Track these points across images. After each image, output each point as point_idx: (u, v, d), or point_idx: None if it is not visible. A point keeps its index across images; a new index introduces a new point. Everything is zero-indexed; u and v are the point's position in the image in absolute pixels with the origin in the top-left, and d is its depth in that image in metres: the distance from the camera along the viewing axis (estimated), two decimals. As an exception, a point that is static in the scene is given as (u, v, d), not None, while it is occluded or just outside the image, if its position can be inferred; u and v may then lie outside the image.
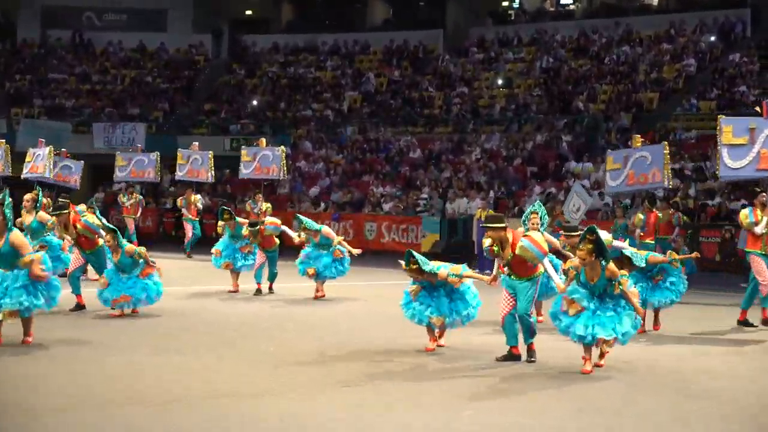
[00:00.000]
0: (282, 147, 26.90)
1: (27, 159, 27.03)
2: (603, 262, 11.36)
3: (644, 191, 20.47)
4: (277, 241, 19.30)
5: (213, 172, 28.41)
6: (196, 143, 29.40)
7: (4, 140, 27.53)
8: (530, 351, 12.24)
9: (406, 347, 12.86)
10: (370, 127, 40.13)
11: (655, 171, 18.63)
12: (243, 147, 28.27)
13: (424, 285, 12.73)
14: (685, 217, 24.81)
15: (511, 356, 12.23)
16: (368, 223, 30.85)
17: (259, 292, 19.06)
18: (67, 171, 27.03)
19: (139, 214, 29.03)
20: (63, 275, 15.85)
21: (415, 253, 12.71)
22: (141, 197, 29.44)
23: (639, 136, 20.16)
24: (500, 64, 41.90)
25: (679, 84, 36.56)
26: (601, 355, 11.67)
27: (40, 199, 18.85)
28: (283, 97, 44.02)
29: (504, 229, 12.19)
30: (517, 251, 12.01)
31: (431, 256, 25.00)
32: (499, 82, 40.65)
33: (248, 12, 52.78)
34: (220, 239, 19.84)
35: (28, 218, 17.39)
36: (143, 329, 14.29)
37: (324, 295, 18.50)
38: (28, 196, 18.32)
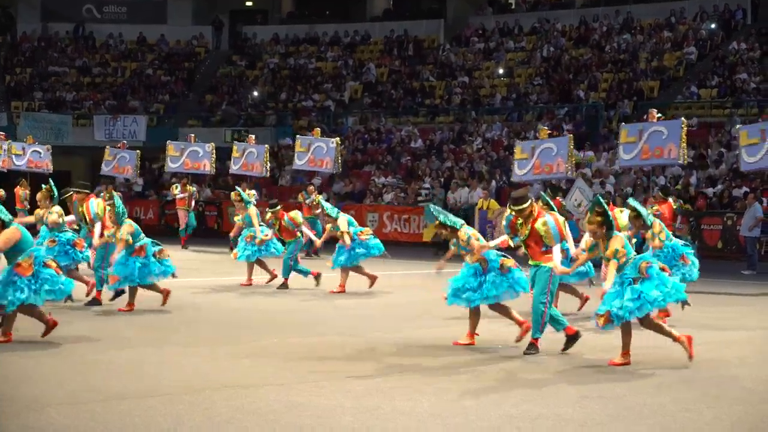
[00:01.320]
0: (337, 139, 26.70)
1: (107, 157, 27.53)
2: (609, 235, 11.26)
3: (659, 166, 21.00)
4: (299, 234, 18.84)
5: (268, 165, 27.91)
6: (253, 136, 29.23)
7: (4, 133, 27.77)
8: (531, 345, 11.94)
9: (410, 337, 12.87)
10: (371, 118, 40.14)
11: (671, 146, 18.83)
12: (298, 137, 27.88)
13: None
14: (686, 205, 24.85)
15: (570, 339, 11.99)
16: (370, 213, 30.84)
17: (284, 286, 18.68)
18: (123, 162, 27.26)
19: (192, 207, 28.80)
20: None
21: (433, 207, 12.58)
22: (194, 190, 29.26)
23: (656, 110, 20.18)
24: (501, 54, 41.87)
25: (680, 72, 36.54)
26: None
27: (55, 193, 18.60)
28: (283, 88, 44.00)
29: (531, 205, 11.93)
30: (536, 225, 11.78)
31: (433, 246, 25.19)
32: (500, 71, 40.63)
33: (248, 3, 52.73)
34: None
35: (43, 213, 17.16)
36: (147, 323, 14.30)
37: (341, 291, 18.19)
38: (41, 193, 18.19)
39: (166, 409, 9.02)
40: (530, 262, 12.05)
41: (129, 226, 15.22)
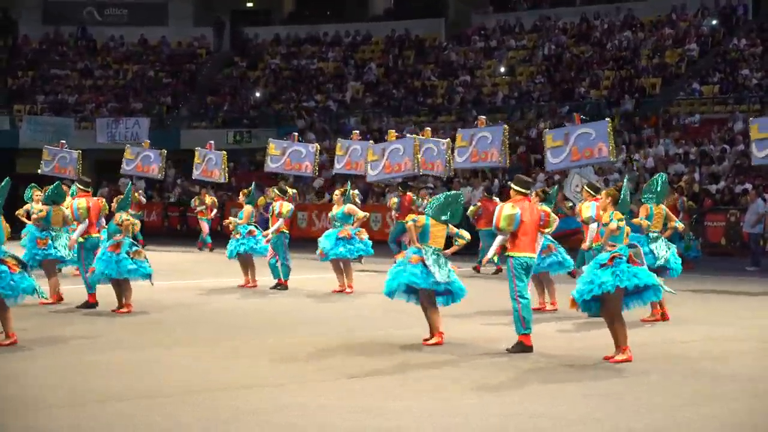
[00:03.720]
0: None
1: (128, 156, 27.30)
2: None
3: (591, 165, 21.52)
4: (286, 231, 18.36)
5: (226, 171, 27.80)
6: (212, 141, 29.18)
7: None
8: (517, 343, 11.81)
9: (409, 337, 12.83)
10: (373, 117, 40.12)
11: (601, 145, 19.47)
12: (339, 140, 27.49)
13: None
14: (690, 202, 24.82)
15: (520, 345, 11.80)
16: (373, 213, 30.81)
17: (281, 287, 18.43)
18: (147, 161, 27.11)
19: (213, 215, 28.51)
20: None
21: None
22: (214, 198, 29.11)
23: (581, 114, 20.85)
24: (502, 52, 41.85)
25: (682, 68, 36.50)
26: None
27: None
28: (285, 88, 44.00)
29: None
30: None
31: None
32: (502, 69, 40.60)
33: (249, 3, 52.75)
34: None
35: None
36: (142, 324, 14.27)
37: (343, 291, 18.09)
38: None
39: (166, 409, 9.01)
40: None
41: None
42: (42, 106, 42.94)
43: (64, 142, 29.16)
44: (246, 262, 18.92)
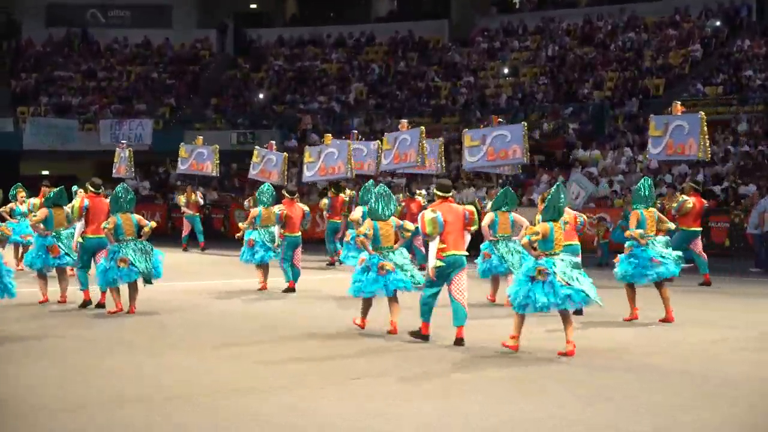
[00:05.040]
0: (285, 154, 26.37)
1: (182, 155, 27.23)
2: None
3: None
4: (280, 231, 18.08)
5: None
6: (200, 137, 29.21)
7: None
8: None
9: (413, 340, 12.81)
10: (376, 119, 40.09)
11: (515, 147, 20.67)
12: (256, 148, 27.49)
13: None
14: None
15: (418, 333, 12.75)
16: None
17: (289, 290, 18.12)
18: (201, 158, 27.03)
19: (195, 213, 28.13)
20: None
21: None
22: (199, 196, 28.59)
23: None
24: (506, 53, 41.84)
25: (685, 69, 36.47)
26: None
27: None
28: (288, 90, 44.00)
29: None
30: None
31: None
32: (505, 71, 40.59)
33: (252, 5, 52.77)
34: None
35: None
36: (144, 326, 14.23)
37: None
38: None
39: (167, 413, 9.00)
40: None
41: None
42: (46, 108, 42.97)
43: (201, 137, 28.92)
44: (262, 265, 18.61)
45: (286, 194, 18.34)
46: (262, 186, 19.29)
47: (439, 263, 12.30)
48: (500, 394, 9.77)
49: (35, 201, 20.47)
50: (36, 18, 48.43)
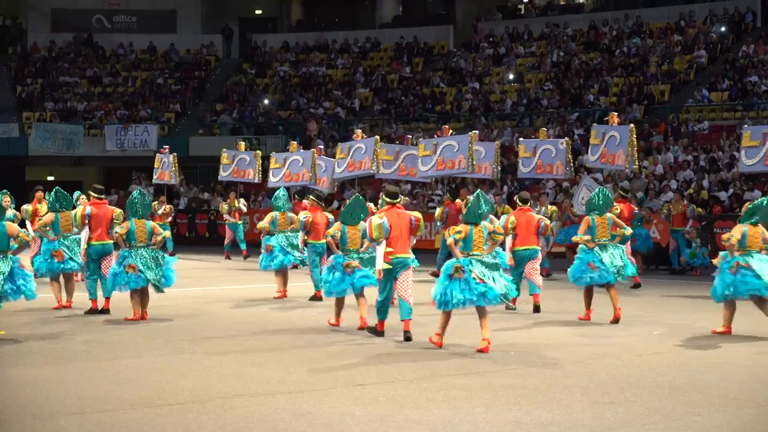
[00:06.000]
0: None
1: (224, 161, 27.15)
2: None
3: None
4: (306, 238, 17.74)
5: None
6: (243, 142, 29.12)
7: None
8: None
9: (419, 344, 12.82)
10: (381, 124, 40.12)
11: (461, 158, 21.54)
12: (273, 154, 27.17)
13: None
14: (699, 209, 24.80)
15: (373, 329, 13.67)
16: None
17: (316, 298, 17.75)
18: (243, 164, 26.96)
19: (238, 221, 27.52)
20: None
21: None
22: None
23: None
24: (511, 59, 41.87)
25: (691, 75, 36.47)
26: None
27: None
28: (294, 95, 44.04)
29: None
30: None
31: (445, 251, 25.06)
32: (510, 76, 40.60)
33: (257, 11, 52.83)
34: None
35: None
36: (153, 331, 14.24)
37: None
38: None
39: (174, 417, 9.00)
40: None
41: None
42: (51, 113, 43.02)
43: (243, 143, 28.92)
44: (282, 272, 18.37)
45: (313, 200, 17.91)
46: (277, 191, 19.12)
47: (386, 265, 12.98)
48: (510, 399, 9.77)
49: (28, 207, 20.38)
50: (41, 23, 48.56)
